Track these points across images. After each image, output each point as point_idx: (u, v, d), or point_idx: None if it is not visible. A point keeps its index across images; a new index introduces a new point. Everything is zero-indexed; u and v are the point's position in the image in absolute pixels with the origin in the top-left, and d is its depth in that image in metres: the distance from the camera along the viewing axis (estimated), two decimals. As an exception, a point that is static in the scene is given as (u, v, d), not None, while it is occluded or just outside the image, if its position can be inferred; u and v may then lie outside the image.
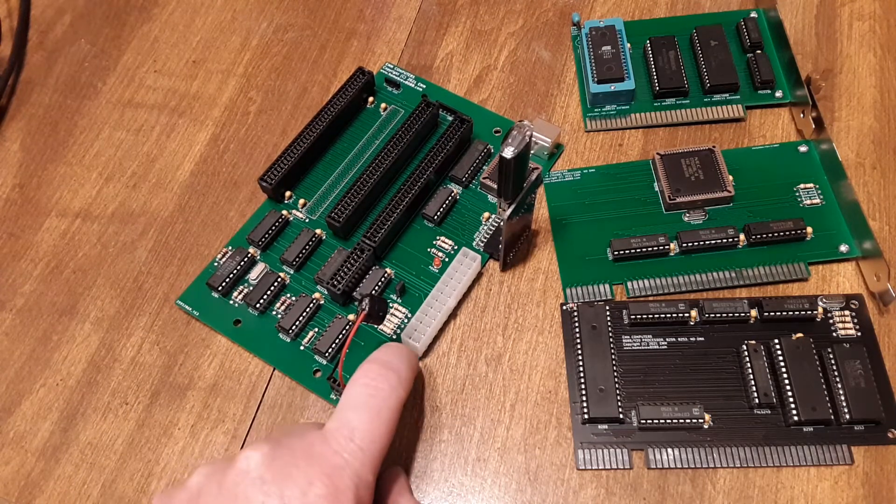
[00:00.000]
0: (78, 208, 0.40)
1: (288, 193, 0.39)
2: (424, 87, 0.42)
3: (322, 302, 0.36)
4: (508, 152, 0.30)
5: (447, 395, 0.34)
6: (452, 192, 0.38)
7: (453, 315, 0.36)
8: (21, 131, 0.43)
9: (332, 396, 0.34)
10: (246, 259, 0.37)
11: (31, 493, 0.33)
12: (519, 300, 0.36)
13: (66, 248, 0.39)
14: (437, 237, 0.38)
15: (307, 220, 0.38)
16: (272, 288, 0.36)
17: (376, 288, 0.36)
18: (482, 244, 0.37)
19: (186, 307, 0.36)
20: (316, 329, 0.35)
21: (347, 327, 0.34)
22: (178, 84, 0.44)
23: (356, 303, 0.35)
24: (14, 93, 0.44)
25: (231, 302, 0.36)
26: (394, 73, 0.43)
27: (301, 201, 0.39)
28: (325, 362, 0.34)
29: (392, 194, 0.37)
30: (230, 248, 0.38)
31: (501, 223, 0.34)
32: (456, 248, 0.37)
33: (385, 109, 0.42)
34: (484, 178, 0.39)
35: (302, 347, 0.35)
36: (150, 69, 0.45)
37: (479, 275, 0.37)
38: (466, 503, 0.32)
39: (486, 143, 0.40)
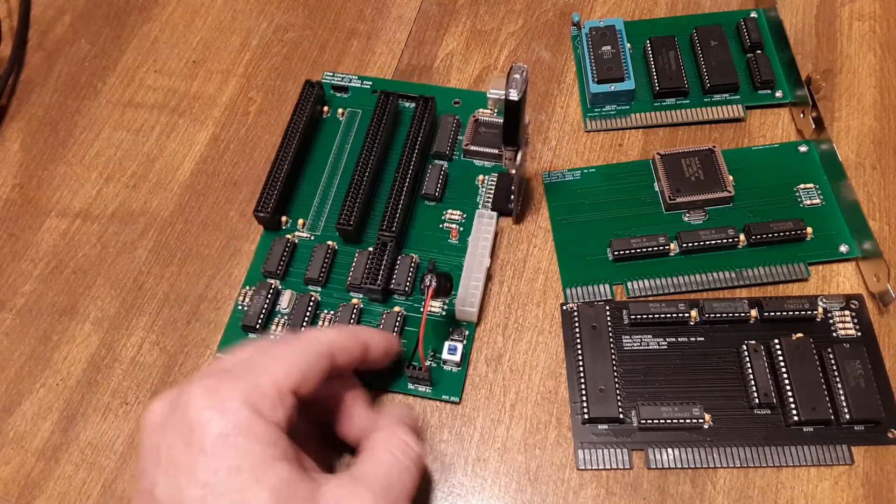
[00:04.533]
0: (78, 208, 0.40)
1: (284, 218, 0.39)
2: (371, 83, 0.43)
3: (361, 306, 0.36)
4: (514, 94, 0.31)
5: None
6: (443, 166, 0.39)
7: (489, 277, 0.36)
8: (21, 131, 0.43)
9: (411, 386, 0.34)
10: (271, 291, 0.36)
11: (31, 493, 0.33)
12: (519, 300, 0.36)
13: (66, 248, 0.39)
14: (445, 211, 0.38)
15: (311, 238, 0.38)
16: (308, 309, 0.35)
17: (410, 272, 0.36)
18: (489, 205, 0.38)
19: None
20: None
21: (398, 321, 0.35)
22: (178, 84, 0.44)
23: (420, 283, 0.35)
24: (14, 93, 0.44)
25: (273, 336, 0.35)
26: (336, 79, 0.43)
27: (301, 221, 0.38)
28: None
29: (389, 186, 0.37)
30: (248, 287, 0.37)
31: (512, 172, 0.35)
32: (465, 215, 0.38)
33: (342, 114, 0.42)
34: (466, 146, 0.40)
35: None
36: (150, 69, 0.45)
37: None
38: (466, 503, 0.32)
39: (453, 115, 0.41)
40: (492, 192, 0.39)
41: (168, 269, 0.38)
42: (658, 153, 0.38)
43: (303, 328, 0.35)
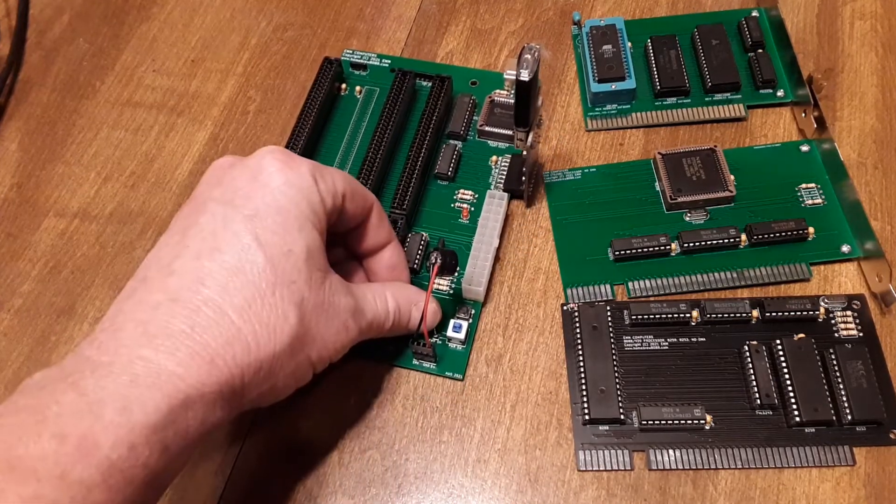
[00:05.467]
0: (76, 208, 0.40)
1: None
2: (389, 62, 0.43)
3: None
4: (525, 75, 0.31)
5: (447, 396, 0.34)
6: (457, 146, 0.39)
7: (497, 259, 0.36)
8: (19, 131, 0.43)
9: (415, 362, 0.34)
10: None
11: (29, 494, 0.33)
12: (519, 300, 0.36)
13: (65, 249, 0.39)
14: (457, 191, 0.39)
15: None
16: None
17: (420, 250, 0.36)
18: (500, 186, 0.38)
19: None
20: None
21: None
22: (176, 83, 0.44)
23: (426, 261, 0.35)
24: (12, 92, 0.44)
25: None
26: (355, 56, 0.43)
27: None
28: None
29: (403, 164, 0.38)
30: None
31: (524, 154, 0.35)
32: (477, 196, 0.38)
33: (360, 92, 0.42)
34: (480, 126, 0.40)
35: None
36: (148, 68, 0.45)
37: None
38: (467, 504, 0.32)
39: (469, 95, 0.41)
40: (504, 173, 0.39)
41: (167, 270, 0.38)
42: (659, 153, 0.38)
43: None
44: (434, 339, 0.34)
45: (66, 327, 0.36)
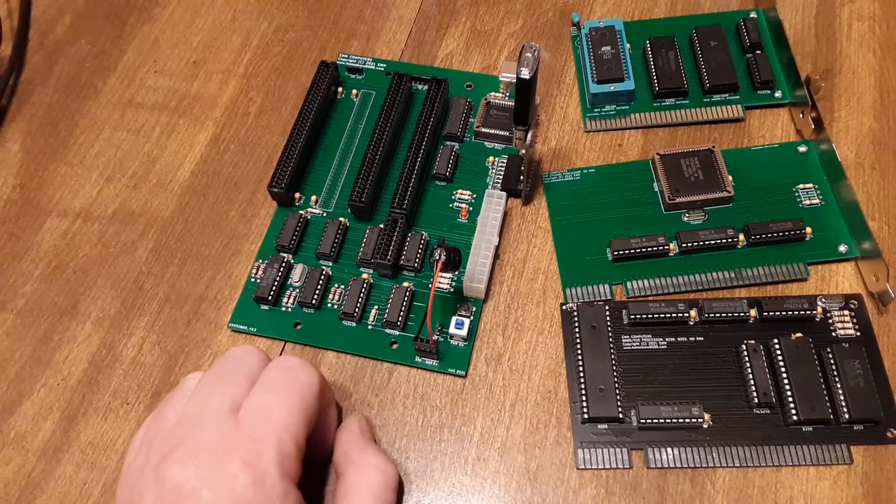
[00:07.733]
0: (78, 209, 0.40)
1: (297, 195, 0.39)
2: (385, 65, 0.43)
3: (371, 281, 0.37)
4: (525, 73, 0.31)
5: (447, 395, 0.34)
6: (454, 147, 0.40)
7: (497, 258, 0.37)
8: (21, 132, 0.43)
9: (418, 359, 0.34)
10: (283, 265, 0.37)
11: (31, 493, 0.33)
12: (519, 300, 0.36)
13: (67, 249, 0.39)
14: (455, 191, 0.39)
15: (324, 215, 0.39)
16: (320, 283, 0.36)
17: (419, 249, 0.37)
18: (498, 185, 0.39)
19: (241, 327, 0.36)
20: (376, 307, 0.36)
21: (407, 296, 0.35)
22: (178, 84, 0.44)
23: (429, 258, 0.36)
24: (14, 93, 0.45)
25: (284, 308, 0.36)
26: (350, 60, 0.43)
27: (313, 198, 0.39)
28: (397, 333, 0.35)
29: (401, 165, 0.38)
30: (261, 261, 0.38)
31: (522, 153, 0.36)
32: (475, 196, 0.39)
33: (356, 95, 0.42)
34: (477, 128, 0.40)
35: (370, 326, 0.35)
36: (150, 69, 0.45)
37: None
38: (466, 503, 0.32)
39: (465, 98, 0.41)
40: (501, 173, 0.39)
41: (168, 270, 0.38)
42: (658, 153, 0.39)
43: (313, 301, 0.36)
44: (437, 337, 0.35)
45: (68, 327, 0.37)
